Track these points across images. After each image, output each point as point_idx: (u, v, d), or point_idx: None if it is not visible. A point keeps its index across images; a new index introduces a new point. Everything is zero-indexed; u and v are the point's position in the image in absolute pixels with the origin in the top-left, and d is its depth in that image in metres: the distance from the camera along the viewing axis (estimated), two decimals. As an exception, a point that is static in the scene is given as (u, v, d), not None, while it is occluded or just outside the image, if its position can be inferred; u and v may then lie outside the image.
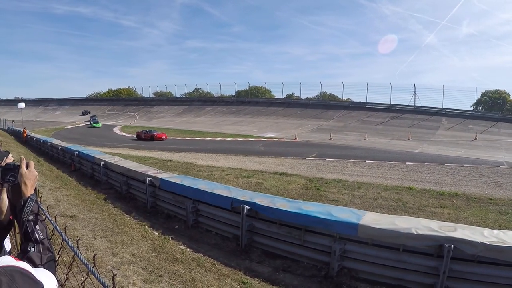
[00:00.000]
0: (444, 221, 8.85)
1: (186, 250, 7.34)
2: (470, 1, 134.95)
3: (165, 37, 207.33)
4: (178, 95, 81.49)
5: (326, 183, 13.80)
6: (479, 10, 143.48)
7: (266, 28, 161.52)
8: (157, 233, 8.19)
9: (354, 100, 57.58)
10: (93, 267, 1.56)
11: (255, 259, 7.13)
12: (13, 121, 52.38)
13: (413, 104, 50.41)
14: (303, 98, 64.45)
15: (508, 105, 55.29)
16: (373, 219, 6.22)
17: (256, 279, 6.27)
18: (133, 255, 6.31)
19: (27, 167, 1.69)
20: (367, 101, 53.23)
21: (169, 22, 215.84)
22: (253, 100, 64.23)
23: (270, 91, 72.53)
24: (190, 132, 38.79)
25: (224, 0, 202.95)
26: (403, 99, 58.59)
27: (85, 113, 56.44)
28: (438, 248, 5.82)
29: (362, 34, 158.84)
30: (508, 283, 5.47)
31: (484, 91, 56.77)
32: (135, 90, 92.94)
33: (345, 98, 61.48)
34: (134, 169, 11.49)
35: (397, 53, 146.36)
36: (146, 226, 8.64)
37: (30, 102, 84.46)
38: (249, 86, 72.98)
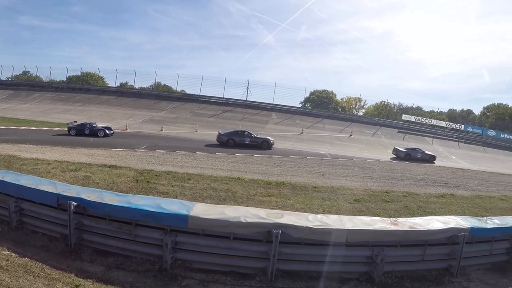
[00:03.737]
0: (272, 209, 9.42)
1: (11, 255, 6.35)
2: (311, 9, 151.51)
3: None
4: (3, 77, 69.06)
5: (156, 175, 13.50)
6: (318, 17, 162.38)
7: (107, 10, 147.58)
8: (-27, 240, 6.95)
9: (188, 92, 56.98)
10: None
11: (87, 258, 6.65)
12: None
13: (245, 99, 52.25)
14: (137, 87, 60.79)
15: (334, 104, 63.24)
16: (202, 210, 6.31)
17: (89, 280, 5.87)
18: None
19: None
20: (201, 94, 53.11)
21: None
22: (84, 87, 57.51)
23: (103, 79, 66.21)
24: (15, 120, 32.55)
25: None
26: (237, 93, 60.54)
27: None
28: (267, 234, 6.17)
29: (203, 27, 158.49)
30: (333, 260, 6.29)
31: (312, 90, 63.08)
32: None
33: (179, 89, 60.43)
34: None
35: (236, 49, 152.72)
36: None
37: None
38: (82, 72, 64.97)
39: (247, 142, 24.48)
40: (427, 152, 28.46)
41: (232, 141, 24.31)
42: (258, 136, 25.35)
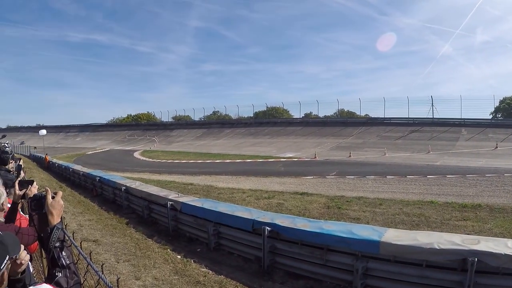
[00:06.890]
0: (468, 234, 8.58)
1: (208, 272, 7.31)
2: (483, 8, 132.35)
3: (181, 61, 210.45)
4: (196, 118, 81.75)
5: (347, 201, 13.47)
6: (492, 16, 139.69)
7: (279, 47, 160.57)
8: (179, 256, 8.18)
9: (372, 116, 56.20)
10: (118, 290, 1.63)
11: (278, 280, 6.99)
12: (35, 147, 52.40)
13: (432, 116, 48.53)
14: (321, 116, 63.65)
15: (528, 110, 51.85)
16: (394, 236, 6.10)
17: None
18: (155, 278, 6.36)
19: (53, 197, 1.82)
20: (385, 116, 51.76)
21: (185, 46, 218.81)
22: (271, 120, 63.99)
23: (288, 111, 72.31)
24: (210, 155, 38.57)
25: (238, 22, 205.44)
26: (421, 111, 56.63)
27: None
28: (462, 262, 5.67)
29: (376, 48, 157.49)
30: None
31: (502, 98, 53.47)
32: (154, 115, 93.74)
33: (363, 114, 60.15)
34: (155, 194, 11.59)
35: (413, 66, 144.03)
36: (168, 250, 8.66)
37: (51, 129, 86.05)
38: (267, 107, 72.61)
39: None
40: None
41: None
42: None
